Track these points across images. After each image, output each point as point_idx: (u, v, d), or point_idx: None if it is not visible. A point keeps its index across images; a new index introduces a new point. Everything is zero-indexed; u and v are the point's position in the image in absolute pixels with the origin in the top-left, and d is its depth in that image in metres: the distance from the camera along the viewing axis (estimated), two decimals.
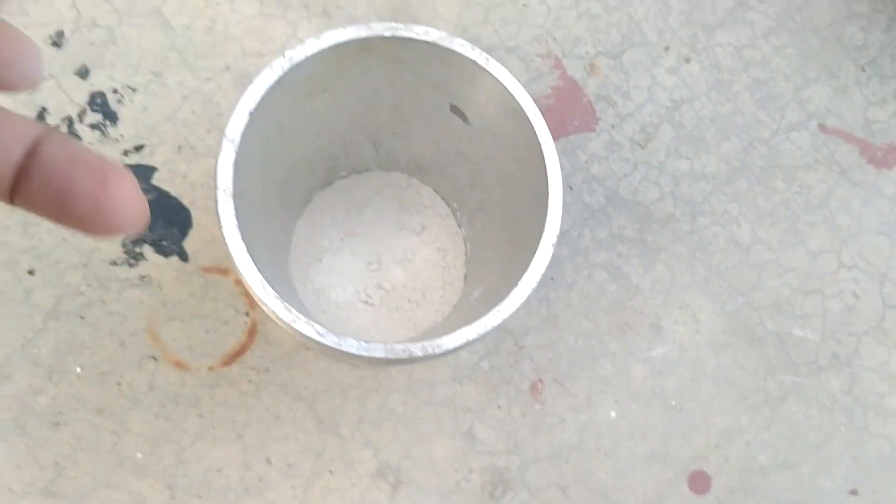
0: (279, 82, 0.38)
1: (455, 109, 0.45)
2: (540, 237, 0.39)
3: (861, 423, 0.57)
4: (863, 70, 0.63)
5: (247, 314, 0.53)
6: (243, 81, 0.56)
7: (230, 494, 0.51)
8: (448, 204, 0.55)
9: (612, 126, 0.59)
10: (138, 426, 0.51)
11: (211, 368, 0.52)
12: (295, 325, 0.35)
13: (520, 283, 0.38)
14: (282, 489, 0.51)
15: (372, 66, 0.42)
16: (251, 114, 0.37)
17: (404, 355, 0.36)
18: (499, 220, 0.49)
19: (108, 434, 0.50)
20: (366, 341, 0.36)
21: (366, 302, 0.53)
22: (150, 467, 0.50)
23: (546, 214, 0.39)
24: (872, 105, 0.62)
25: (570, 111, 0.59)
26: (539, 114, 0.40)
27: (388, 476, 0.52)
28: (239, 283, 0.53)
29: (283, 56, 0.38)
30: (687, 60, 0.61)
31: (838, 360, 0.57)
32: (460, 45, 0.40)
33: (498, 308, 0.37)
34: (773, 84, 0.62)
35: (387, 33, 0.39)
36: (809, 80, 0.62)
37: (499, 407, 0.54)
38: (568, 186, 0.58)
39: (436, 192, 0.55)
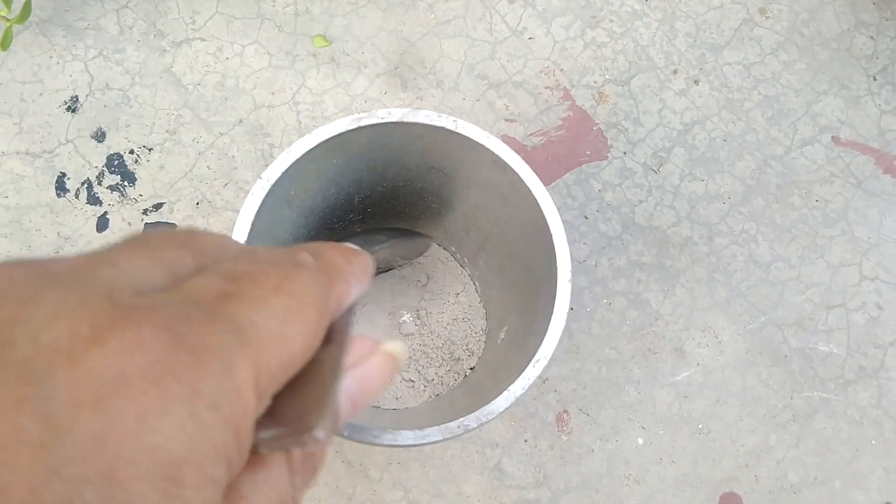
0: (263, 204, 0.39)
1: (434, 170, 0.46)
2: (547, 270, 0.40)
3: (891, 434, 0.57)
4: (874, 79, 0.63)
5: None
6: (256, 134, 0.57)
7: None
8: (445, 248, 0.56)
9: (625, 153, 0.60)
10: None
11: None
12: (348, 436, 0.36)
13: (548, 331, 0.38)
14: None
15: (346, 156, 0.43)
16: (249, 234, 0.38)
17: (460, 431, 0.36)
18: (502, 257, 0.49)
19: None
20: (420, 429, 0.36)
21: None
22: None
23: (553, 250, 0.39)
24: (886, 114, 0.62)
25: (581, 141, 0.60)
26: (520, 160, 0.40)
27: None
28: None
29: (261, 178, 0.38)
30: (696, 82, 0.62)
31: (865, 374, 0.57)
32: (425, 117, 0.40)
33: (536, 358, 0.38)
34: (784, 100, 0.62)
35: (352, 126, 0.40)
36: (820, 93, 0.62)
37: (526, 440, 0.54)
38: (583, 216, 0.58)
39: (433, 240, 0.56)
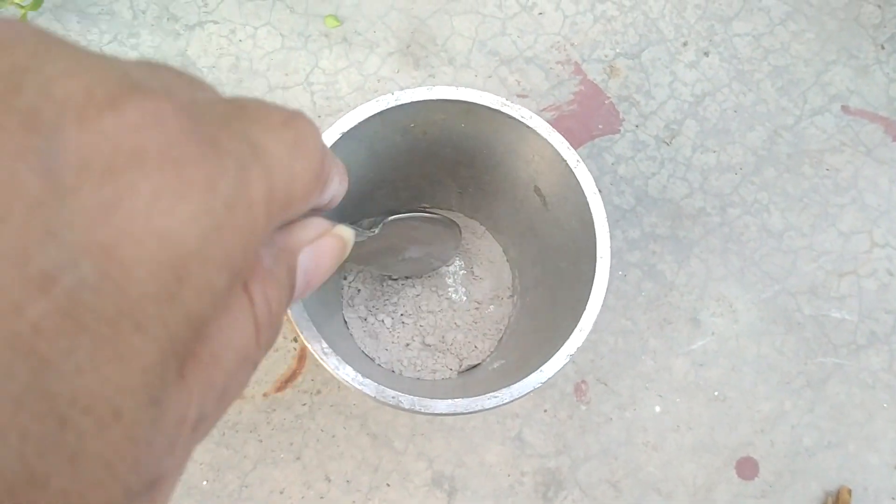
0: (381, 114, 0.40)
1: (538, 191, 0.46)
2: (579, 299, 0.40)
3: None
4: (882, 48, 0.63)
5: (295, 340, 0.54)
6: None
7: None
8: (512, 270, 0.56)
9: (637, 126, 0.60)
10: (201, 455, 0.53)
11: (265, 395, 0.54)
12: (337, 373, 0.37)
13: (555, 355, 0.38)
14: None
15: (472, 126, 0.43)
16: (343, 133, 0.39)
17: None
18: (544, 302, 0.49)
19: None
20: (386, 387, 0.38)
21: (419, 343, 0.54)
22: (215, 493, 0.52)
23: (594, 272, 0.39)
24: (894, 82, 0.62)
25: (593, 115, 0.60)
26: (602, 212, 0.41)
27: (444, 484, 0.54)
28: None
29: (392, 94, 0.39)
30: (706, 54, 0.62)
31: (877, 339, 0.58)
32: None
33: (537, 373, 0.38)
34: (794, 70, 0.62)
35: (495, 105, 0.40)
36: (829, 62, 0.63)
37: (545, 411, 0.55)
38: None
39: (504, 252, 0.56)
